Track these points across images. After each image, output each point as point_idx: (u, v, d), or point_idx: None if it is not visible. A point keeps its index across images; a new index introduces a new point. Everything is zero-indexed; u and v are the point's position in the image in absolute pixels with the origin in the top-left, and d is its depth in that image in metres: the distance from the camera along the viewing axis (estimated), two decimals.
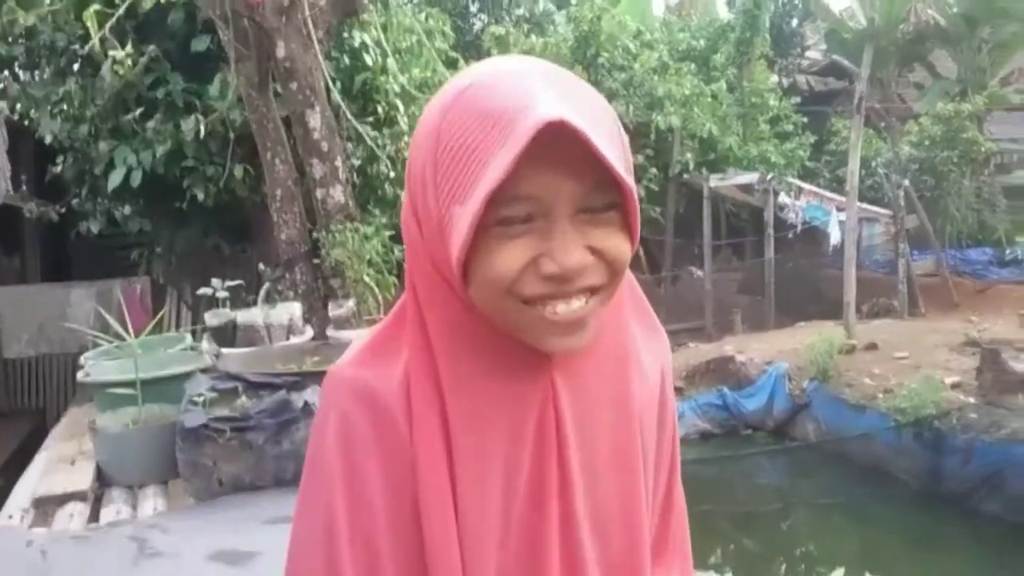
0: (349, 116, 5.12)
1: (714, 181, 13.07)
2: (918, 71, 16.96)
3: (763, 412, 9.54)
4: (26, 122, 7.71)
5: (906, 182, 12.61)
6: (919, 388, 7.68)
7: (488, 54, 13.33)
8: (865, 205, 12.71)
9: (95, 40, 4.64)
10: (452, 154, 0.76)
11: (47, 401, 8.84)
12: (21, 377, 9.26)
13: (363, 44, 7.01)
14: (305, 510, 0.86)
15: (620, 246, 0.79)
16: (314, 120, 5.33)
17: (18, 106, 7.54)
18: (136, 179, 6.89)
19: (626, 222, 0.80)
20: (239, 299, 5.50)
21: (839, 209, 12.15)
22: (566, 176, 0.75)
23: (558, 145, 0.72)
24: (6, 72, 7.98)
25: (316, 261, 5.64)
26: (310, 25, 4.86)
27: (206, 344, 4.75)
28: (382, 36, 7.08)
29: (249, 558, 3.14)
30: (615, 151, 0.76)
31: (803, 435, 9.16)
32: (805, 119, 15.26)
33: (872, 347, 9.45)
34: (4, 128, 7.71)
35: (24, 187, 8.04)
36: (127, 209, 7.40)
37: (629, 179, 0.76)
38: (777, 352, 10.10)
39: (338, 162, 5.42)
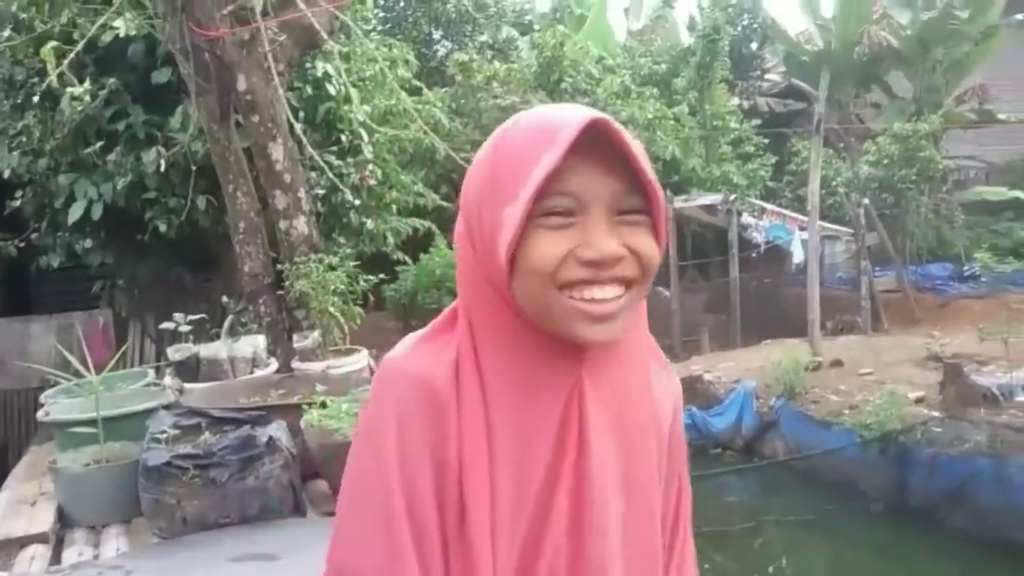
0: (308, 147, 5.11)
1: (678, 203, 13.18)
2: (875, 91, 17.26)
3: (732, 430, 9.58)
4: None
5: (866, 200, 12.81)
6: (884, 403, 7.77)
7: (452, 80, 13.42)
8: (827, 224, 12.89)
9: (52, 76, 4.60)
10: (507, 161, 0.89)
11: (8, 438, 8.66)
12: None
13: (326, 74, 7.02)
14: (359, 486, 0.95)
15: (651, 247, 0.90)
16: (276, 152, 5.32)
17: None
18: (97, 212, 6.83)
19: (654, 228, 0.91)
20: (203, 332, 5.46)
21: (801, 228, 12.32)
22: (605, 175, 0.87)
23: (598, 147, 0.85)
24: None
25: (280, 292, 5.62)
26: (271, 58, 4.86)
27: (169, 379, 4.70)
28: (345, 66, 7.10)
29: None
30: (645, 162, 0.88)
31: (772, 452, 9.21)
32: (766, 140, 15.46)
33: (837, 363, 9.55)
34: None
35: None
36: (88, 242, 7.32)
37: (657, 187, 0.89)
38: (744, 370, 10.17)
39: (301, 193, 5.42)
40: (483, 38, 15.87)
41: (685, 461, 1.11)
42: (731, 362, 10.79)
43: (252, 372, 4.95)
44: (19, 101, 7.05)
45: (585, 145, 0.84)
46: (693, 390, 10.07)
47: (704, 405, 9.88)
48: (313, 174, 6.56)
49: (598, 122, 0.84)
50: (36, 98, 6.40)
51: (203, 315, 5.19)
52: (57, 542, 3.76)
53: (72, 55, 4.62)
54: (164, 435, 3.79)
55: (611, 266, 0.87)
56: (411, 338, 1.00)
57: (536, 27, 17.22)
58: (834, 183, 13.37)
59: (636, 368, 1.00)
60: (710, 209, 13.58)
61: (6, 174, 7.14)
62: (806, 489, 8.58)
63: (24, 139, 7.02)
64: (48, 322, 8.92)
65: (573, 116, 0.86)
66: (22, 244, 7.54)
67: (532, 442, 0.92)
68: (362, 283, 5.68)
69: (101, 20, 4.77)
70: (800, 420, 8.80)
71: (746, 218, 13.13)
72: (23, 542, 3.65)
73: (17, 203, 7.30)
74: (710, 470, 9.08)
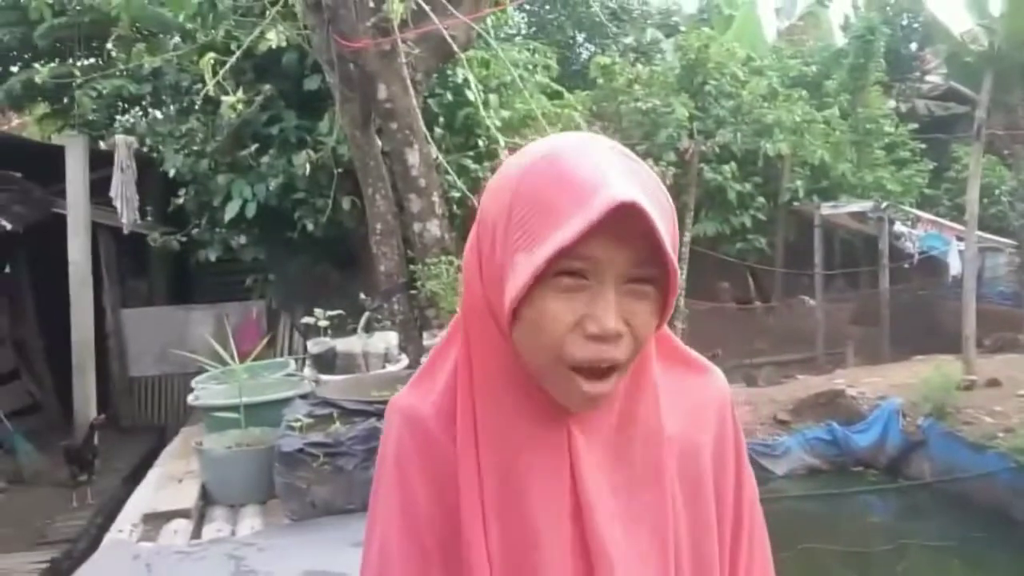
0: (436, 152, 5.27)
1: (825, 209, 12.72)
2: None
3: (875, 448, 9.21)
4: (154, 155, 8.25)
5: None
6: None
7: (594, 84, 13.42)
8: (988, 235, 12.15)
9: (210, 86, 4.95)
10: (527, 206, 0.86)
11: (167, 419, 9.32)
12: (144, 395, 9.81)
13: (465, 80, 7.21)
14: (370, 516, 1.02)
15: (649, 324, 0.90)
16: (412, 157, 5.53)
17: (147, 141, 8.08)
18: (251, 210, 7.28)
19: (662, 299, 0.90)
20: (342, 327, 5.73)
21: (959, 239, 11.65)
22: (623, 246, 0.85)
23: (621, 219, 0.82)
24: (137, 109, 8.58)
25: (413, 292, 5.82)
26: (409, 68, 5.05)
27: (307, 371, 4.96)
28: (484, 72, 7.27)
29: None
30: (667, 227, 0.86)
31: (917, 474, 8.80)
32: (923, 145, 14.70)
33: (994, 383, 9.01)
34: (134, 161, 8.31)
35: (149, 216, 8.57)
36: (242, 238, 7.81)
37: (674, 256, 0.87)
38: (890, 386, 9.74)
39: (435, 197, 5.60)
40: (627, 40, 15.80)
41: (745, 466, 1.07)
42: (877, 377, 10.34)
43: (384, 367, 5.15)
44: (184, 106, 7.58)
45: (610, 215, 0.82)
46: (835, 405, 9.73)
47: (846, 421, 9.52)
48: (451, 177, 6.76)
49: (626, 205, 0.81)
50: (199, 103, 6.87)
51: (341, 311, 5.44)
52: (199, 518, 4.05)
53: (228, 65, 4.94)
54: (298, 423, 4.02)
55: (611, 342, 0.87)
56: (417, 372, 1.05)
57: (682, 28, 16.99)
58: (997, 192, 12.59)
59: (637, 416, 0.98)
60: (859, 216, 13.02)
61: (171, 173, 7.70)
62: (953, 514, 8.15)
63: (188, 141, 7.54)
64: (207, 311, 9.55)
65: (603, 184, 0.83)
66: (184, 239, 8.10)
67: (529, 487, 0.93)
68: None
69: (255, 32, 5.09)
70: (950, 441, 8.36)
71: (899, 227, 12.51)
72: (169, 516, 3.96)
73: (181, 200, 7.85)
74: (850, 488, 8.76)
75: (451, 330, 1.02)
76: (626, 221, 0.82)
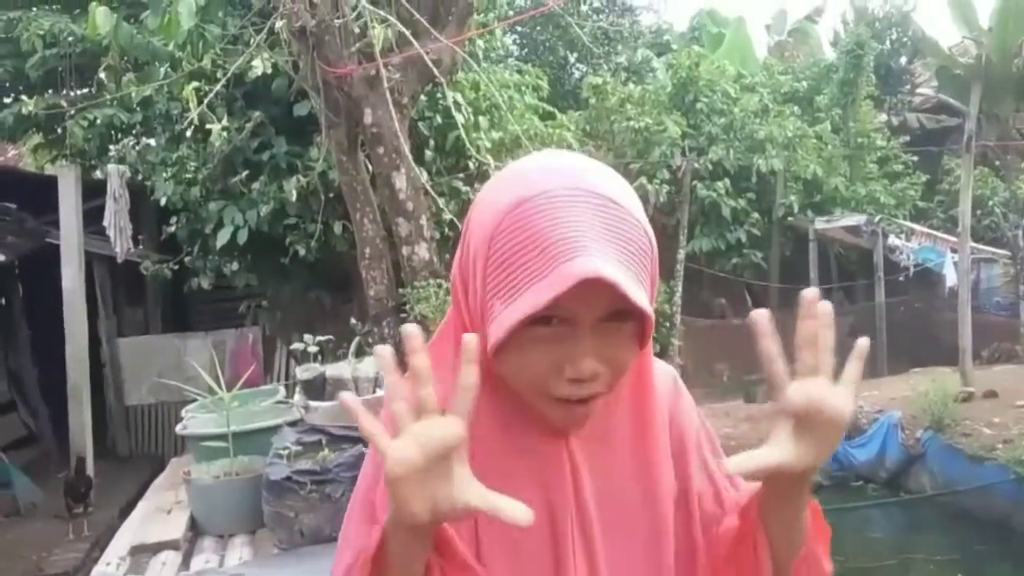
0: (420, 176, 5.28)
1: (819, 223, 12.74)
2: None
3: (875, 463, 9.17)
4: (146, 183, 8.27)
5: None
6: None
7: (586, 103, 13.48)
8: (983, 246, 12.16)
9: (194, 114, 4.97)
10: (505, 254, 0.88)
11: (164, 448, 9.28)
12: (141, 424, 9.78)
13: (455, 103, 7.24)
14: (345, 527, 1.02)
15: (627, 358, 0.93)
16: (400, 181, 5.54)
17: (139, 169, 8.10)
18: (242, 237, 7.29)
19: (639, 332, 0.92)
20: (335, 352, 5.71)
21: (953, 250, 11.66)
22: (596, 302, 0.87)
23: (592, 283, 0.83)
24: (128, 139, 8.61)
25: (403, 316, 5.81)
26: (394, 93, 5.07)
27: (297, 397, 4.94)
28: (474, 95, 7.30)
29: None
30: (642, 273, 0.88)
31: (917, 487, 8.76)
32: (915, 158, 14.74)
33: (991, 395, 8.99)
34: (127, 190, 8.33)
35: (141, 245, 8.58)
36: (235, 265, 7.81)
37: (649, 304, 0.88)
38: (889, 400, 9.71)
39: (423, 220, 5.61)
40: (619, 60, 15.88)
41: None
42: (875, 391, 10.30)
43: (374, 392, 5.12)
44: (175, 134, 7.61)
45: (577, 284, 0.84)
46: None
47: (845, 435, 9.37)
48: (442, 199, 6.77)
49: (591, 281, 0.82)
50: (189, 132, 6.90)
51: (331, 336, 5.43)
52: (188, 549, 4.02)
53: (212, 93, 4.97)
54: (286, 451, 4.00)
55: (589, 380, 0.90)
56: None
57: (673, 47, 17.08)
58: (991, 203, 12.60)
59: (635, 420, 1.01)
60: (853, 230, 13.04)
61: (163, 201, 7.71)
62: (955, 527, 8.11)
63: (178, 169, 7.56)
64: (203, 339, 9.54)
65: (572, 252, 0.84)
66: (177, 267, 8.10)
67: (523, 494, 0.91)
68: None
69: (239, 61, 5.11)
70: (949, 454, 8.33)
71: (893, 240, 12.53)
72: (157, 548, 3.93)
73: (172, 228, 7.86)
74: (851, 503, 8.71)
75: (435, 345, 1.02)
76: (598, 284, 0.83)
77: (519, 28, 15.84)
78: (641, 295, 0.86)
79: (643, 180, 12.05)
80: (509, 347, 0.88)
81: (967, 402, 8.83)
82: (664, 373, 1.09)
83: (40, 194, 8.25)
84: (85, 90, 8.99)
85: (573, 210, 0.87)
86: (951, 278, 11.92)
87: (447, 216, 6.98)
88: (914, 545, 8.31)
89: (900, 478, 8.96)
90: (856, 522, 8.68)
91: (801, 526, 0.97)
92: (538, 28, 15.99)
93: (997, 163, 13.88)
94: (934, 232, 12.99)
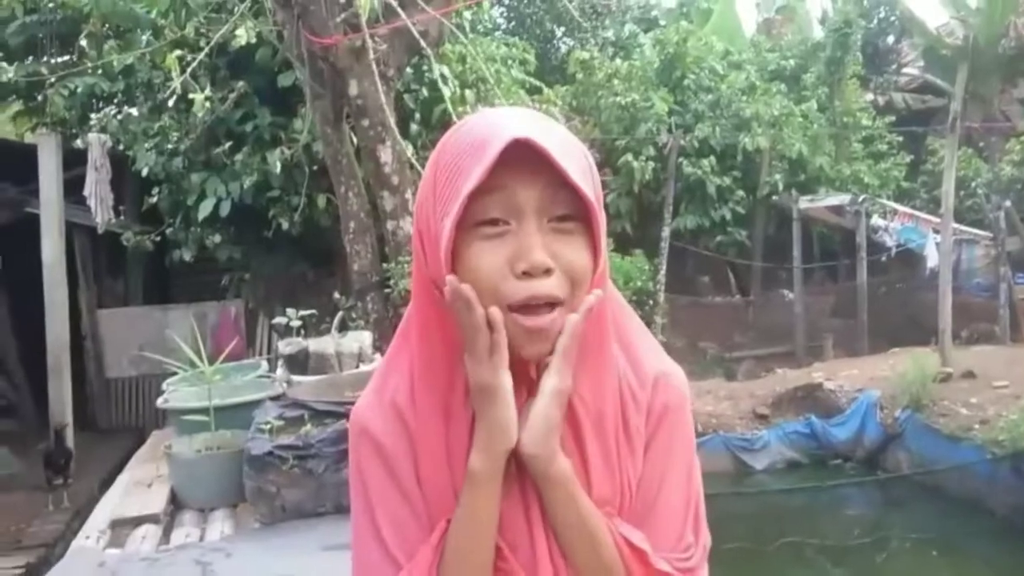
0: (412, 150, 5.24)
1: (803, 203, 12.75)
2: (1023, 87, 16.20)
3: (853, 441, 9.27)
4: (128, 153, 8.16)
5: (1008, 203, 12.05)
6: (1019, 419, 7.35)
7: (573, 78, 13.40)
8: (964, 227, 12.21)
9: (177, 83, 4.89)
10: (445, 176, 0.93)
11: (145, 421, 9.23)
12: (122, 397, 9.72)
13: (442, 76, 7.16)
14: (354, 533, 1.07)
15: (581, 259, 0.94)
16: (385, 155, 5.49)
17: (120, 139, 7.99)
18: (225, 209, 7.22)
19: (591, 238, 0.94)
20: (318, 326, 5.68)
21: (936, 231, 11.71)
22: (532, 180, 0.91)
23: (528, 161, 0.89)
24: (110, 108, 8.49)
25: (387, 291, 5.79)
26: (380, 64, 5.01)
27: (279, 371, 4.92)
28: (460, 68, 7.23)
29: None
30: (579, 171, 0.92)
31: (895, 466, 8.86)
32: (900, 138, 14.76)
33: (969, 375, 9.06)
34: (108, 160, 8.22)
35: (123, 216, 8.48)
36: (217, 237, 7.73)
37: (589, 192, 0.92)
38: (869, 379, 9.80)
39: (408, 194, 5.56)
40: (606, 35, 15.78)
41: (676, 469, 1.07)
42: (855, 370, 10.39)
43: (358, 367, 5.11)
44: (157, 103, 7.50)
45: (515, 155, 0.88)
46: (813, 398, 9.79)
47: (824, 414, 9.57)
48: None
49: (521, 141, 0.88)
50: (172, 101, 6.80)
51: (314, 311, 5.40)
52: (168, 523, 4.01)
53: (196, 62, 4.90)
54: (268, 426, 3.98)
55: (542, 277, 0.92)
56: (373, 378, 1.11)
57: (661, 23, 16.98)
58: (973, 184, 12.64)
59: (593, 374, 1.01)
60: (837, 210, 13.07)
61: (145, 172, 7.62)
62: (930, 505, 8.22)
63: (160, 139, 7.46)
64: (184, 311, 9.46)
65: (500, 131, 0.89)
66: (158, 238, 8.02)
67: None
68: None
69: (223, 30, 5.03)
70: (926, 433, 8.42)
71: (876, 220, 12.57)
72: (137, 521, 3.92)
73: (154, 199, 7.77)
74: (829, 481, 8.80)
75: (401, 329, 1.08)
76: (532, 161, 0.89)
77: (506, 0, 15.71)
78: (582, 181, 0.91)
79: (629, 156, 12.03)
80: (463, 257, 0.92)
81: (945, 382, 8.90)
82: (658, 370, 1.09)
83: (20, 163, 8.13)
84: (66, 57, 8.83)
85: (503, 114, 0.96)
86: (932, 258, 11.97)
87: None
88: (890, 523, 8.42)
89: (878, 457, 9.06)
90: (834, 500, 8.79)
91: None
92: (525, 1, 15.85)
93: (981, 144, 13.91)
94: (917, 213, 13.03)
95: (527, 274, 0.91)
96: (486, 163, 0.88)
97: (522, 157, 0.89)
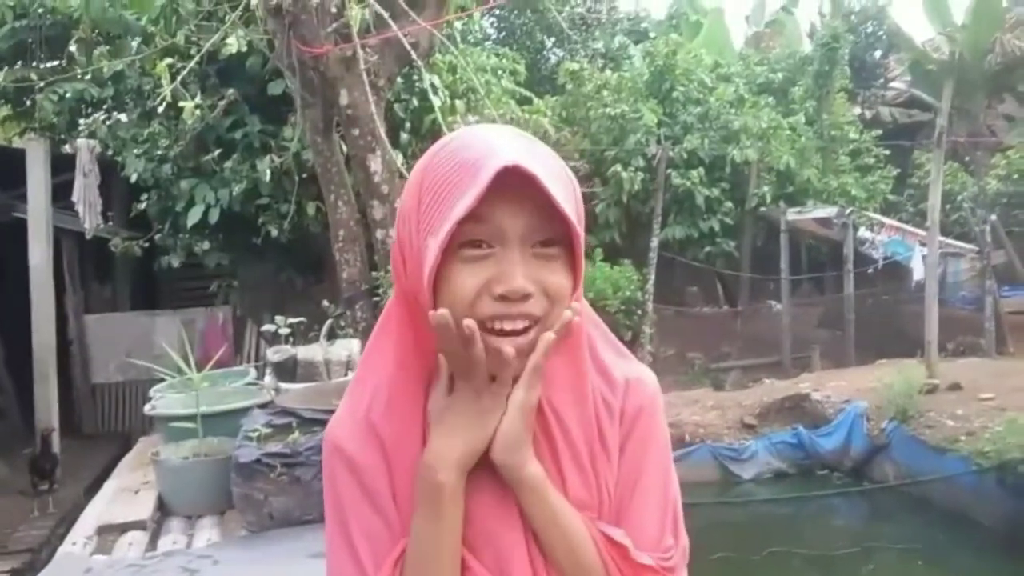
0: (401, 159, 5.25)
1: (791, 215, 12.82)
2: (1008, 102, 16.35)
3: (840, 452, 9.27)
4: (117, 159, 8.15)
5: (993, 217, 12.15)
6: (1004, 431, 7.38)
7: (563, 89, 13.45)
8: (951, 240, 12.31)
9: (167, 90, 4.90)
10: (431, 194, 0.93)
11: (131, 426, 9.20)
12: (108, 402, 9.68)
13: (432, 86, 7.19)
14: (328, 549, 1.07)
15: (561, 283, 0.95)
16: (375, 164, 5.51)
17: (109, 145, 7.98)
18: (214, 216, 7.22)
19: (571, 261, 0.96)
20: (307, 334, 5.68)
21: (922, 244, 11.79)
22: (521, 210, 0.92)
23: (515, 187, 0.90)
24: (99, 113, 8.47)
25: (376, 299, 5.79)
26: (370, 74, 5.03)
27: (268, 379, 4.91)
28: (451, 78, 7.25)
29: None
30: (564, 196, 0.92)
31: (881, 477, 8.88)
32: (887, 152, 14.87)
33: (956, 387, 9.10)
34: (96, 165, 8.21)
35: (111, 221, 8.47)
36: (206, 244, 7.74)
37: (573, 216, 0.93)
38: (855, 390, 9.82)
39: (397, 204, 5.56)
40: (596, 46, 15.85)
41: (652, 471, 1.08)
42: (842, 381, 10.42)
43: (346, 375, 5.12)
44: (146, 110, 7.50)
45: (504, 181, 0.89)
46: (800, 409, 9.80)
47: (812, 425, 9.59)
48: None
49: (511, 168, 0.88)
50: (161, 108, 6.80)
51: (302, 318, 5.40)
52: (155, 529, 3.99)
53: (187, 70, 4.90)
54: (256, 433, 3.98)
55: (520, 302, 0.92)
56: (349, 388, 1.12)
57: (652, 35, 17.07)
58: (959, 198, 12.74)
59: (568, 385, 1.03)
60: (824, 222, 13.15)
61: (133, 178, 7.61)
62: (916, 517, 8.23)
63: (150, 145, 7.46)
64: (172, 317, 9.45)
65: (492, 156, 0.90)
66: (146, 244, 8.01)
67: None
68: None
69: (213, 38, 5.04)
70: (913, 445, 8.44)
71: (863, 232, 12.65)
72: (124, 528, 3.90)
73: (143, 206, 7.76)
74: (815, 491, 8.82)
75: (372, 340, 1.10)
76: (519, 186, 0.90)
77: (496, 11, 15.75)
78: (566, 205, 0.91)
79: (618, 167, 12.07)
80: (443, 274, 0.92)
81: (931, 394, 8.93)
82: (628, 374, 1.10)
83: (8, 168, 8.11)
84: (55, 63, 8.82)
85: (490, 135, 0.95)
86: (918, 271, 12.05)
87: None
88: (876, 534, 8.43)
89: (864, 467, 9.07)
90: (820, 510, 8.79)
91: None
92: (515, 12, 15.91)
93: (967, 159, 14.03)
94: (903, 226, 13.12)
95: (504, 297, 0.92)
96: (476, 192, 0.89)
97: (510, 183, 0.89)
